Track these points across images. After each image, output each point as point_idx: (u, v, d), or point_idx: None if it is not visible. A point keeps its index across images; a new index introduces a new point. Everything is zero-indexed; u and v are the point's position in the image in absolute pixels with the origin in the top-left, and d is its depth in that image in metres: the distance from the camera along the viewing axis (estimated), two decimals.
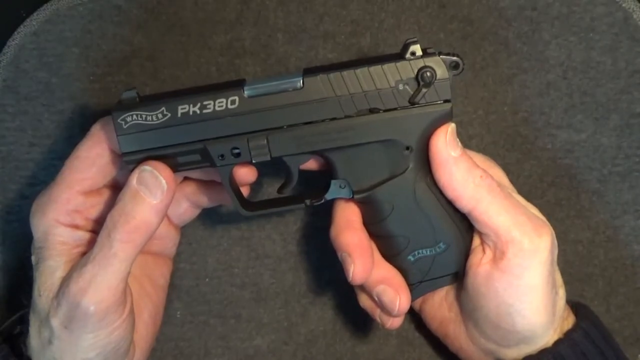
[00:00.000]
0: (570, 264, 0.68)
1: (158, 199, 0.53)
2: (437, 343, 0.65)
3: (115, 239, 0.52)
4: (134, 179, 0.53)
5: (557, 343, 0.56)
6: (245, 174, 0.58)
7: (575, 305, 0.61)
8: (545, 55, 0.66)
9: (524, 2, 0.66)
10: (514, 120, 0.67)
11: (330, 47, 0.66)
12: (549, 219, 0.57)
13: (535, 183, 0.68)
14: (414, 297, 0.58)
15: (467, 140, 0.67)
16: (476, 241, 0.57)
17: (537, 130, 0.67)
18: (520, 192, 0.59)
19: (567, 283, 0.59)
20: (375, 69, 0.54)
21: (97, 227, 0.54)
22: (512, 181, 0.60)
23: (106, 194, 0.57)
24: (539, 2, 0.66)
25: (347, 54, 0.67)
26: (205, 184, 0.62)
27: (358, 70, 0.54)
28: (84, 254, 0.54)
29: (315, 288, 0.69)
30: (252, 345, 0.69)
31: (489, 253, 0.56)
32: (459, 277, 0.59)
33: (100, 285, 0.52)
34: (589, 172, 0.67)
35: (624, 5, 0.65)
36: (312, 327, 0.69)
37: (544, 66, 0.66)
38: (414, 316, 0.67)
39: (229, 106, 0.54)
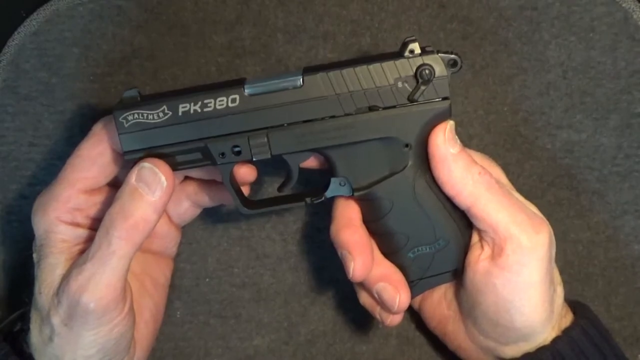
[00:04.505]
0: (570, 264, 0.68)
1: (157, 196, 0.53)
2: (437, 343, 0.65)
3: (113, 236, 0.52)
4: (132, 176, 0.54)
5: (556, 340, 0.56)
6: (246, 173, 0.59)
7: (573, 304, 0.61)
8: (545, 55, 0.66)
9: (524, 2, 0.66)
10: (514, 120, 0.67)
11: (330, 47, 0.66)
12: (548, 219, 0.57)
13: (535, 183, 0.68)
14: (413, 294, 0.58)
15: (467, 140, 0.67)
16: (475, 238, 0.57)
17: (537, 130, 0.67)
18: (520, 192, 0.59)
19: (567, 283, 0.59)
20: (375, 67, 0.54)
21: (98, 225, 0.54)
22: (512, 181, 0.60)
23: (107, 193, 0.57)
24: (539, 2, 0.66)
25: (347, 54, 0.67)
26: (206, 184, 0.62)
27: (357, 69, 0.54)
28: (84, 251, 0.54)
29: (315, 288, 0.69)
30: (252, 345, 0.69)
31: (487, 250, 0.56)
32: (458, 274, 0.59)
33: (100, 282, 0.52)
34: (589, 172, 0.67)
35: (624, 5, 0.65)
36: (312, 327, 0.69)
37: (544, 66, 0.66)
38: (414, 316, 0.67)
39: (230, 104, 0.54)
